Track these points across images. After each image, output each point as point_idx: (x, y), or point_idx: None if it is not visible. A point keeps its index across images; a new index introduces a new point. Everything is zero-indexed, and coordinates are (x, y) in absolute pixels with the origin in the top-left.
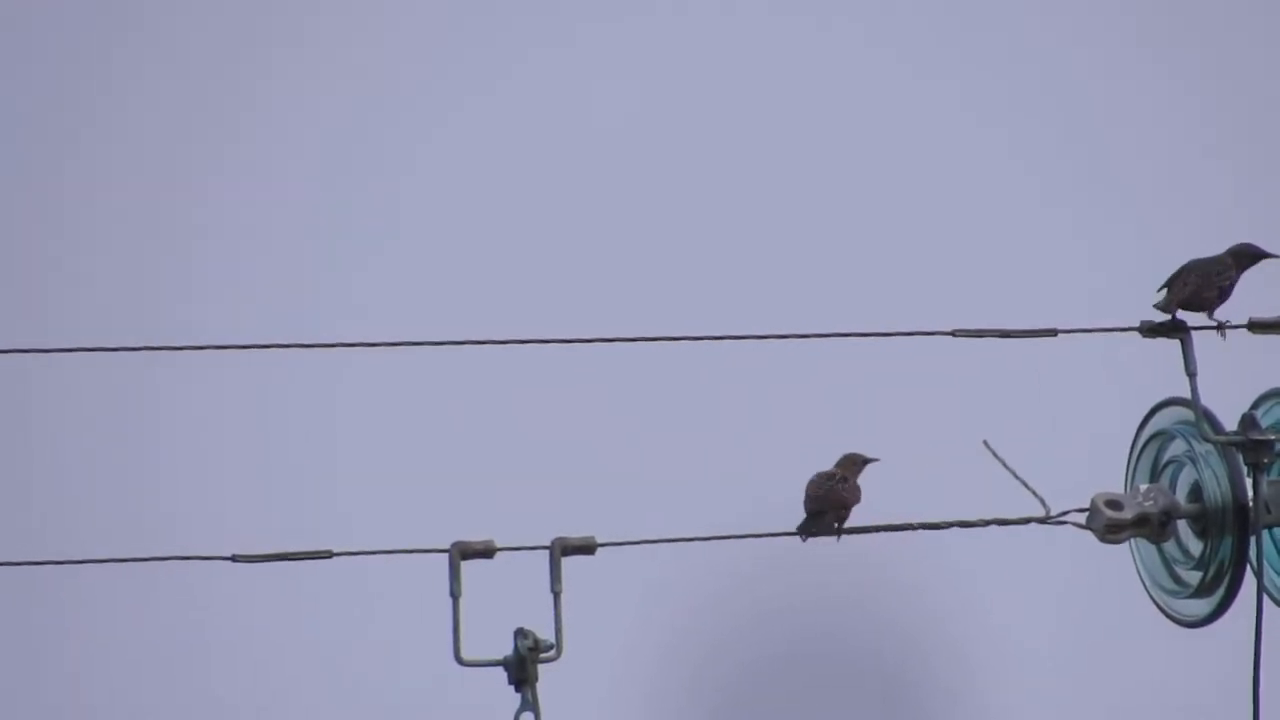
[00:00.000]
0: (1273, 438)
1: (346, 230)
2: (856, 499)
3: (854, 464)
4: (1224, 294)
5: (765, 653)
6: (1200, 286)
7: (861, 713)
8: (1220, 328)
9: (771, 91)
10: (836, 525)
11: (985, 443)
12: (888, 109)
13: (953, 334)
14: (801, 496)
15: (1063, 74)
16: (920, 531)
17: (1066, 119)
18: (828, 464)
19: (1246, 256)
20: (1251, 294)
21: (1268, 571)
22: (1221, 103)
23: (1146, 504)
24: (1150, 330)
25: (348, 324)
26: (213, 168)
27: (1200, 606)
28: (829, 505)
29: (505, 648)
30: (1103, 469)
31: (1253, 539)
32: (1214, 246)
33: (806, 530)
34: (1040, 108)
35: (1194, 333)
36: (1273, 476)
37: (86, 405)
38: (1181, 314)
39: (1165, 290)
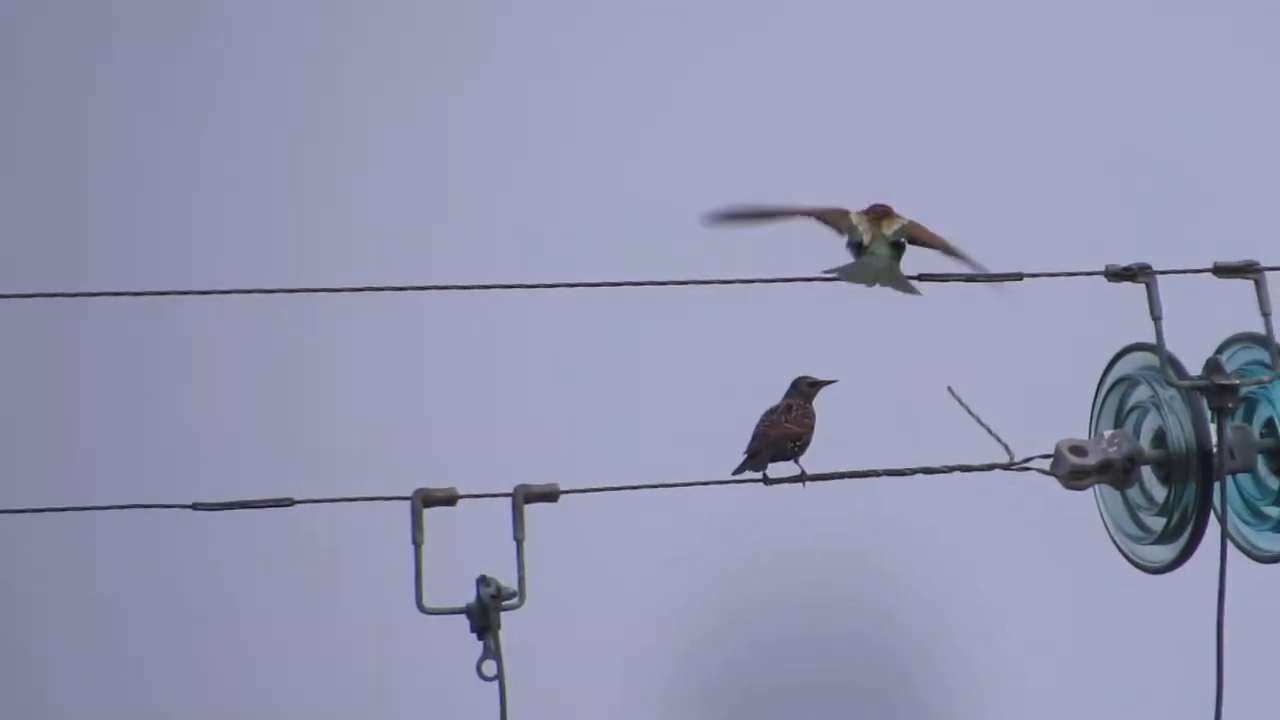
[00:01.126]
0: (1237, 382)
1: (305, 174)
2: (804, 426)
3: (804, 389)
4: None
5: (729, 600)
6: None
7: (826, 659)
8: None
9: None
10: (801, 470)
11: (950, 389)
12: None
13: (918, 277)
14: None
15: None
16: (884, 478)
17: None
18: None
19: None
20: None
21: (1232, 517)
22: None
23: (1111, 450)
24: (1115, 275)
25: (313, 270)
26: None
27: (1164, 552)
28: (767, 443)
29: (467, 595)
30: (1067, 415)
31: (1217, 485)
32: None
33: (742, 470)
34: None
35: (1159, 276)
36: (1237, 422)
37: (44, 350)
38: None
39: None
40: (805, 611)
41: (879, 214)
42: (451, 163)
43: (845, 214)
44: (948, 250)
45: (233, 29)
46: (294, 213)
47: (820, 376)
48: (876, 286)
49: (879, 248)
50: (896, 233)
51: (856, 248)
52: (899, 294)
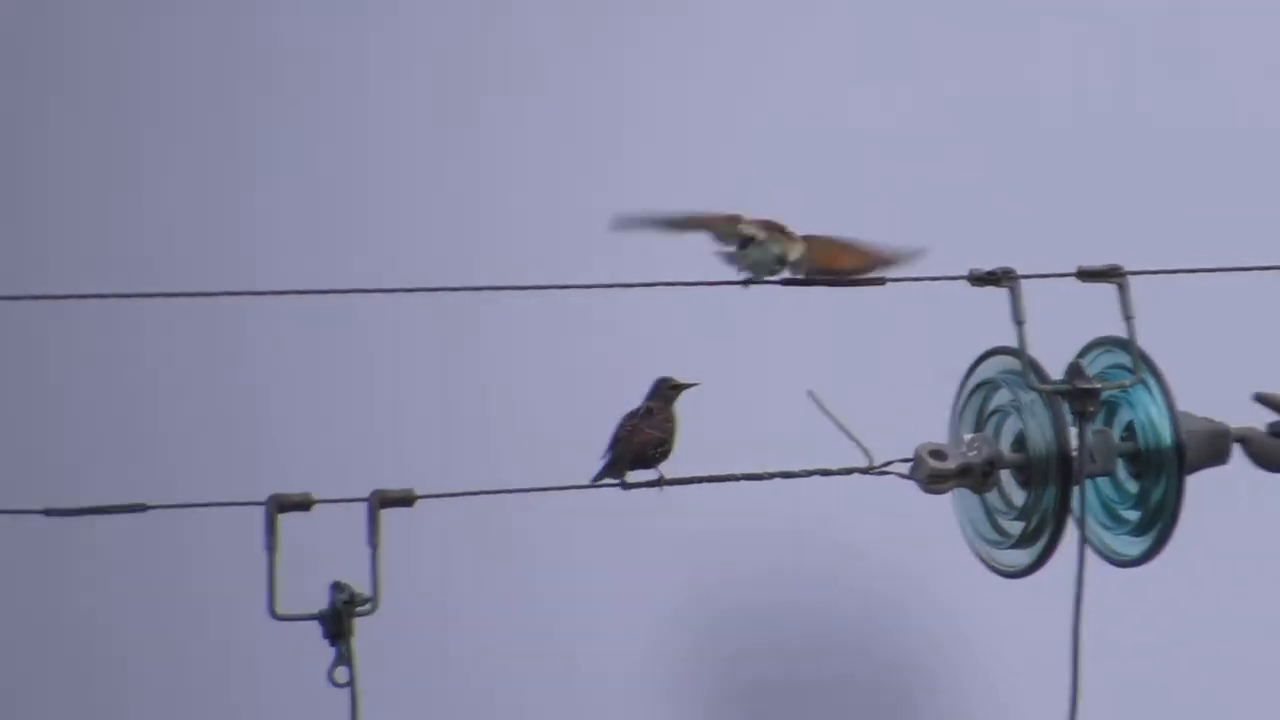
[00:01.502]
0: (1099, 386)
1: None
2: (666, 431)
3: (666, 392)
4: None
5: (580, 604)
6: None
7: (690, 663)
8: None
9: None
10: (660, 475)
11: (809, 392)
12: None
13: (783, 284)
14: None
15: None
16: (743, 482)
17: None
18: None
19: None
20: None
21: (1090, 522)
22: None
23: (970, 454)
24: (978, 279)
25: (164, 274)
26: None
27: (1022, 557)
28: (628, 450)
29: (321, 601)
30: (928, 419)
31: (1076, 489)
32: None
33: (601, 477)
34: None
35: (1022, 280)
36: (1098, 425)
37: None
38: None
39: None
40: (667, 613)
41: (775, 226)
42: (302, 166)
43: (736, 219)
44: (870, 266)
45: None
46: (140, 216)
47: (682, 379)
48: (748, 275)
49: (770, 246)
50: (788, 251)
51: (746, 241)
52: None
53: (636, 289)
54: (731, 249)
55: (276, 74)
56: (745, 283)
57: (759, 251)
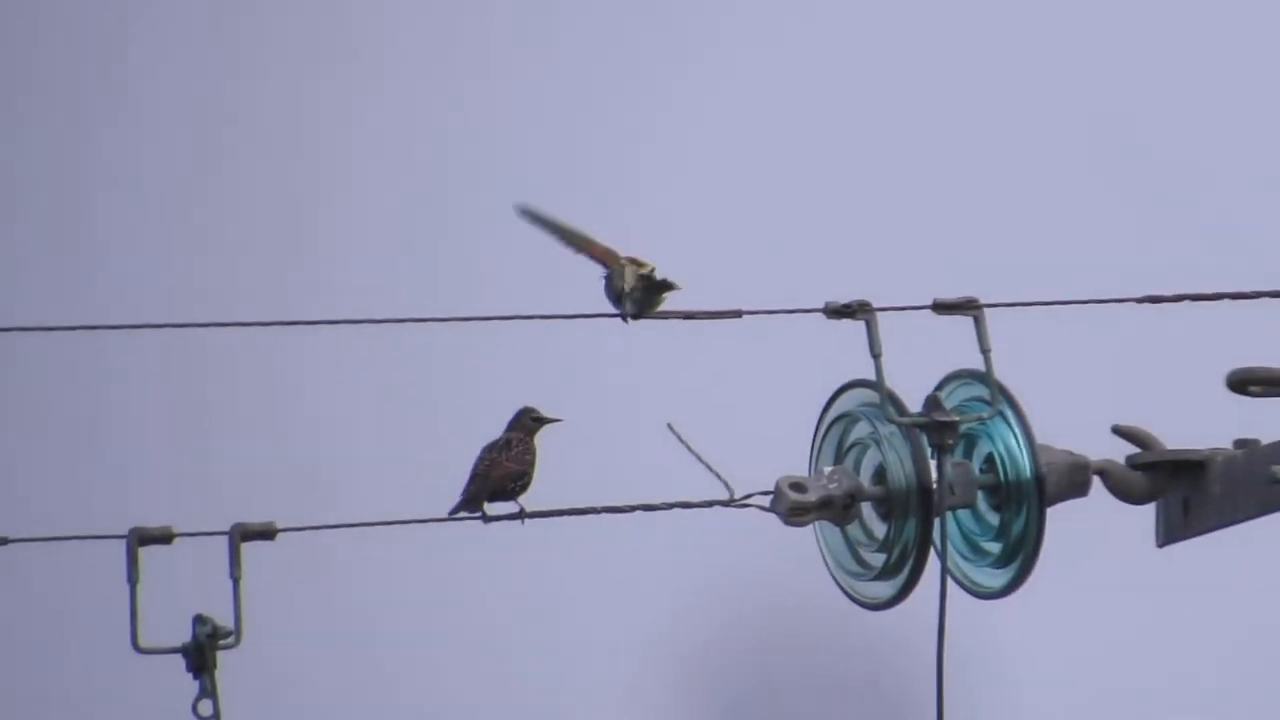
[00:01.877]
0: (957, 419)
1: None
2: (525, 464)
3: (528, 423)
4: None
5: (441, 635)
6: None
7: (557, 698)
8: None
9: None
10: (520, 508)
11: (669, 425)
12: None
13: (635, 317)
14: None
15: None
16: (603, 515)
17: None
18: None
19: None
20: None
21: (952, 553)
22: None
23: (831, 486)
24: (835, 311)
25: (19, 308)
26: None
27: (884, 589)
28: (487, 484)
29: (184, 635)
30: (788, 452)
31: (937, 521)
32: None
33: (460, 510)
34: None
35: (879, 313)
36: (957, 458)
37: None
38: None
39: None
40: (535, 648)
41: (639, 263)
42: (146, 201)
43: (615, 254)
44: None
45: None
46: None
47: (546, 412)
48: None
49: (633, 282)
50: (646, 275)
51: (614, 279)
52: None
53: (499, 321)
54: (606, 276)
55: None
56: (622, 315)
57: (626, 285)
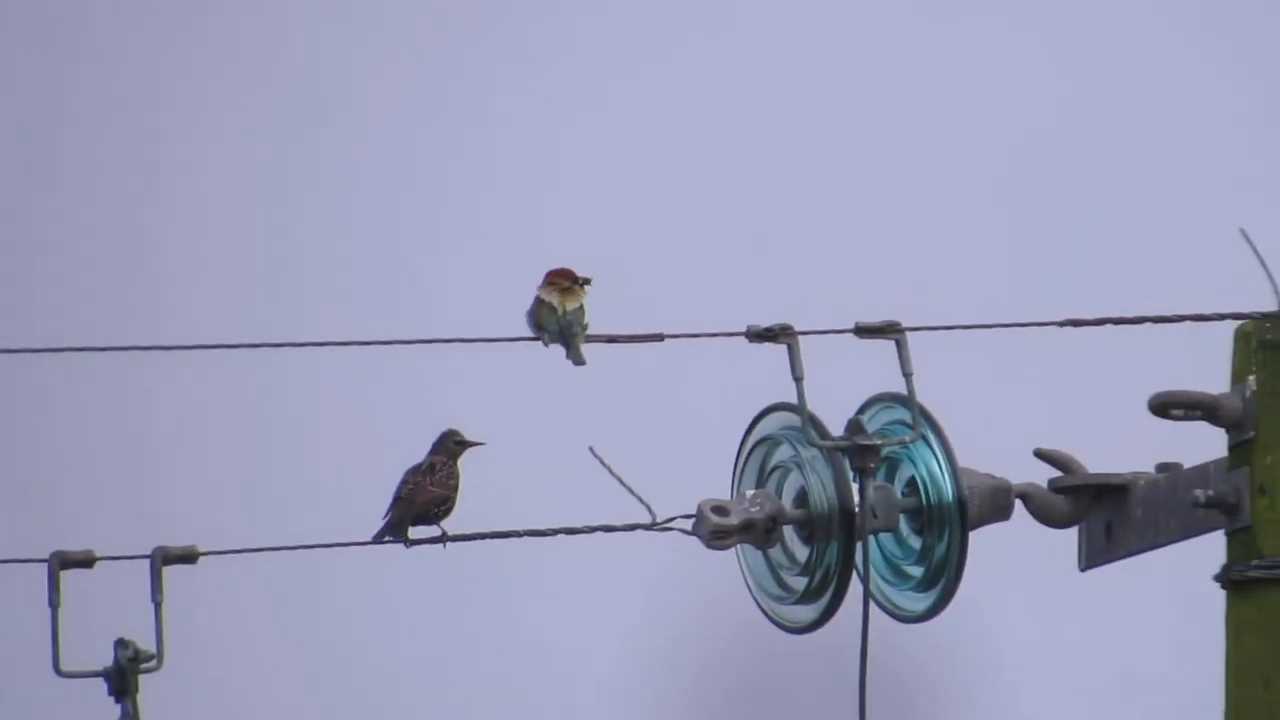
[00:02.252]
0: (879, 442)
1: None
2: (449, 488)
3: (451, 446)
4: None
5: (363, 657)
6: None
7: (479, 713)
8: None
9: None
10: (443, 531)
11: (591, 449)
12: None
13: (561, 339)
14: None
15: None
16: (525, 538)
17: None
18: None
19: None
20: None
21: (874, 577)
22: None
23: (753, 510)
24: (757, 335)
25: None
26: None
27: (806, 612)
28: (411, 509)
29: (106, 658)
30: (710, 475)
31: (859, 544)
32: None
33: (383, 535)
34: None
35: (801, 337)
36: (880, 481)
37: None
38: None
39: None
40: (456, 670)
41: (564, 287)
42: (72, 224)
43: (538, 300)
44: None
45: None
46: None
47: (469, 436)
48: (553, 346)
49: (562, 318)
50: (577, 311)
51: (550, 314)
52: (567, 356)
53: (421, 344)
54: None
55: None
56: (541, 339)
57: (554, 318)
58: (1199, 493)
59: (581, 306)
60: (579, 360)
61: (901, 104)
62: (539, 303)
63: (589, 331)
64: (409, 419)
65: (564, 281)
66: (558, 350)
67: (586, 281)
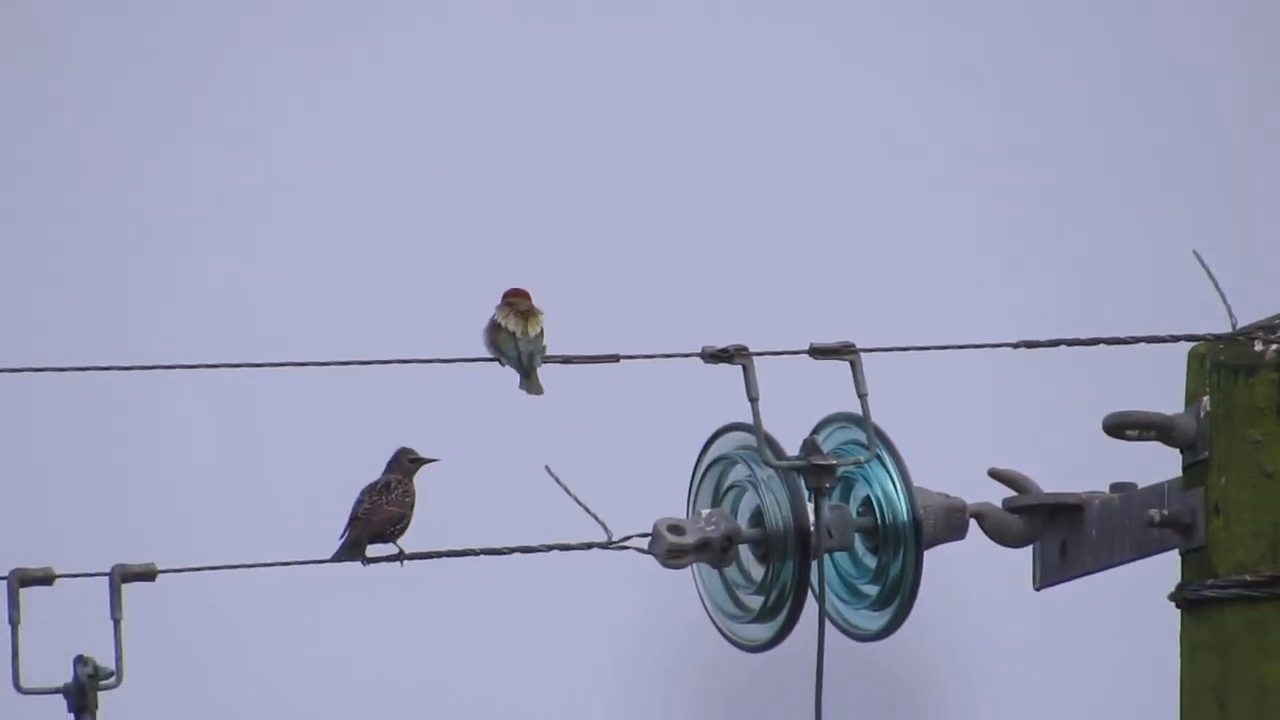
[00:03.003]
0: (834, 462)
1: None
2: (405, 506)
3: (406, 464)
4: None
5: (321, 677)
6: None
7: None
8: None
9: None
10: (400, 549)
11: (547, 467)
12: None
13: (503, 361)
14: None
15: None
16: (482, 556)
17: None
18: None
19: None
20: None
21: (830, 596)
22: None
23: (709, 529)
24: (712, 356)
25: None
26: None
27: (762, 631)
28: (368, 529)
29: (66, 675)
30: (666, 494)
31: (815, 563)
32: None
33: (340, 555)
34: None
35: (756, 358)
36: (835, 501)
37: None
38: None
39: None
40: (414, 689)
41: (522, 309)
42: (51, 235)
43: (494, 321)
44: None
45: None
46: None
47: (423, 453)
48: (509, 368)
49: (523, 344)
50: (537, 337)
51: (509, 339)
52: (520, 385)
53: (377, 365)
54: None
55: None
56: (498, 360)
57: (519, 347)
58: (1154, 512)
59: (541, 332)
60: (536, 391)
61: (855, 123)
62: (496, 326)
63: (546, 353)
64: (365, 438)
65: (522, 303)
66: (514, 373)
67: (535, 313)
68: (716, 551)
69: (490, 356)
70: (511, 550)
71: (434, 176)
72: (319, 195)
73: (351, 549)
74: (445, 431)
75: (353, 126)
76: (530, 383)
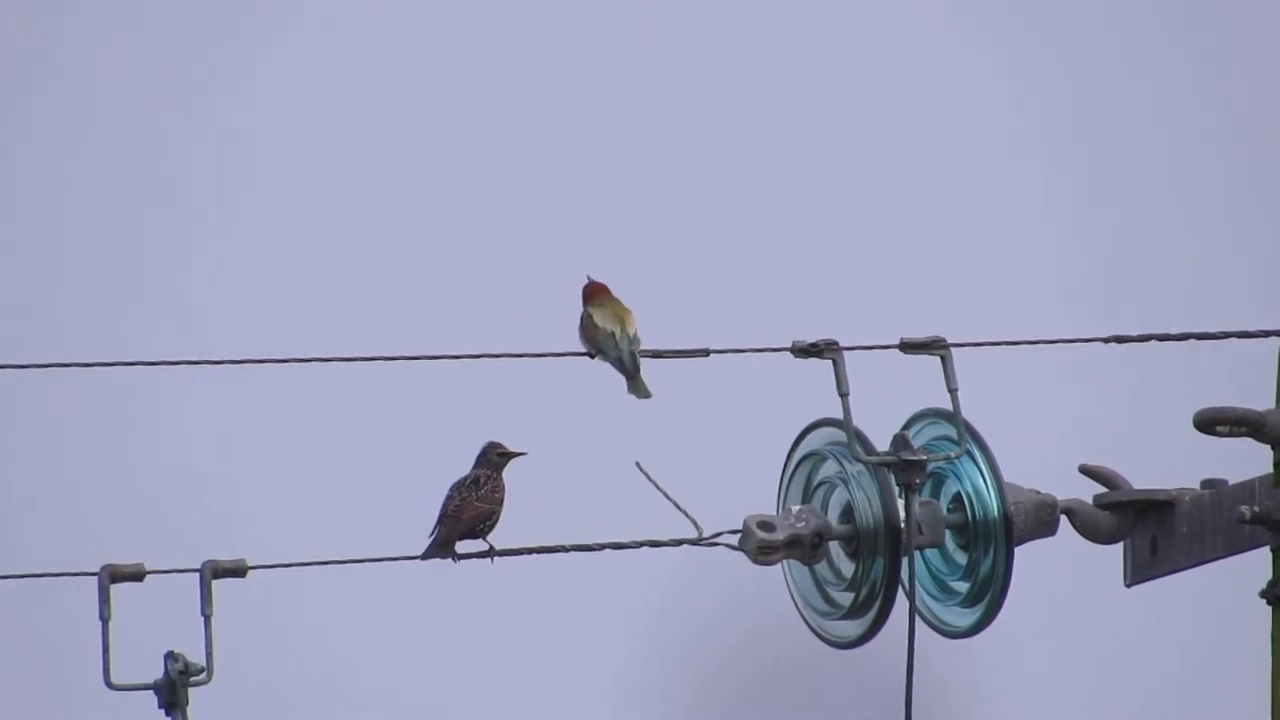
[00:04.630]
0: (925, 458)
1: None
2: (495, 503)
3: (494, 459)
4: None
5: (412, 672)
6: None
7: None
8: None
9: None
10: (490, 546)
11: (638, 464)
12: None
13: (596, 355)
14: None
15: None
16: (573, 553)
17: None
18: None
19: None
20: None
21: (920, 592)
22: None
23: (798, 525)
24: (802, 351)
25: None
26: None
27: (853, 628)
28: (458, 526)
29: (156, 671)
30: (756, 490)
31: (905, 560)
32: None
33: (431, 553)
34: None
35: (846, 352)
36: (924, 497)
37: None
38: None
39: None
40: (504, 685)
41: (615, 310)
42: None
43: (589, 317)
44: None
45: None
46: None
47: (510, 446)
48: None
49: (624, 343)
50: (635, 337)
51: (609, 339)
52: (629, 389)
53: (468, 359)
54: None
55: None
56: (589, 354)
57: (620, 348)
58: (1244, 509)
59: (637, 330)
60: (644, 394)
61: (946, 118)
62: (593, 324)
63: (639, 348)
64: (453, 433)
65: (609, 301)
66: (605, 365)
67: (629, 312)
68: (806, 548)
69: (584, 352)
70: (602, 546)
71: (517, 167)
72: (399, 192)
73: (442, 546)
74: (534, 427)
75: (425, 122)
76: (637, 385)
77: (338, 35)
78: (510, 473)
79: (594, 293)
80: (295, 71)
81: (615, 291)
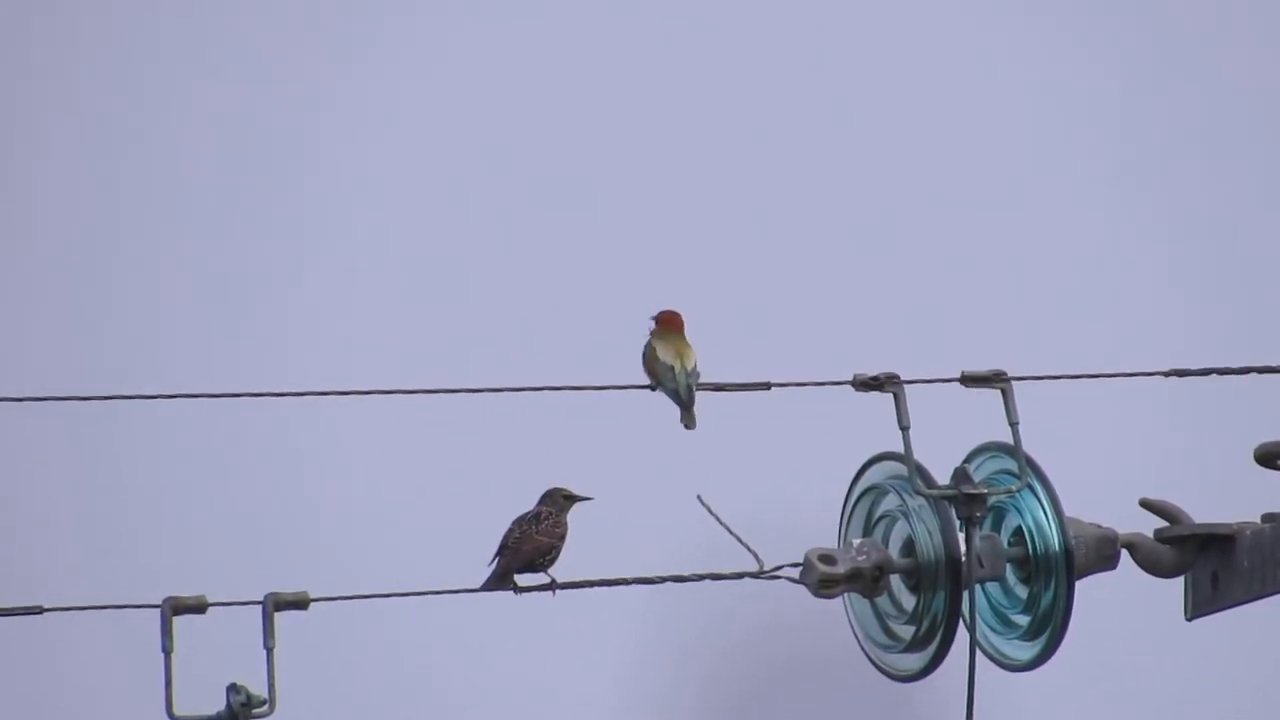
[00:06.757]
0: (985, 491)
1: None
2: (555, 537)
3: (559, 500)
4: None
5: (476, 704)
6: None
7: None
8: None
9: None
10: (551, 579)
11: (699, 497)
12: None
13: (657, 388)
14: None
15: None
16: (635, 585)
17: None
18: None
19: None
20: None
21: (981, 626)
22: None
23: (860, 559)
24: (863, 384)
25: (50, 377)
26: None
27: (914, 661)
28: (517, 558)
29: (218, 703)
30: (817, 523)
31: (966, 593)
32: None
33: (493, 586)
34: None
35: (907, 386)
36: (985, 530)
37: None
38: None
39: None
40: (565, 712)
41: (678, 344)
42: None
43: (653, 350)
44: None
45: None
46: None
47: (577, 491)
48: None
49: (681, 377)
50: (694, 371)
51: (668, 372)
52: (681, 419)
53: (530, 392)
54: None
55: None
56: (650, 387)
57: (678, 380)
58: None
59: (696, 364)
60: (690, 425)
61: (1007, 151)
62: (655, 357)
63: (697, 381)
64: (517, 466)
65: (675, 334)
66: (670, 402)
67: (689, 346)
68: (868, 581)
69: (646, 385)
70: (664, 579)
71: (581, 200)
72: (472, 226)
73: (500, 578)
74: (596, 460)
75: (493, 155)
76: (689, 416)
77: (405, 71)
78: (574, 511)
79: (665, 322)
80: (369, 107)
81: (686, 317)
